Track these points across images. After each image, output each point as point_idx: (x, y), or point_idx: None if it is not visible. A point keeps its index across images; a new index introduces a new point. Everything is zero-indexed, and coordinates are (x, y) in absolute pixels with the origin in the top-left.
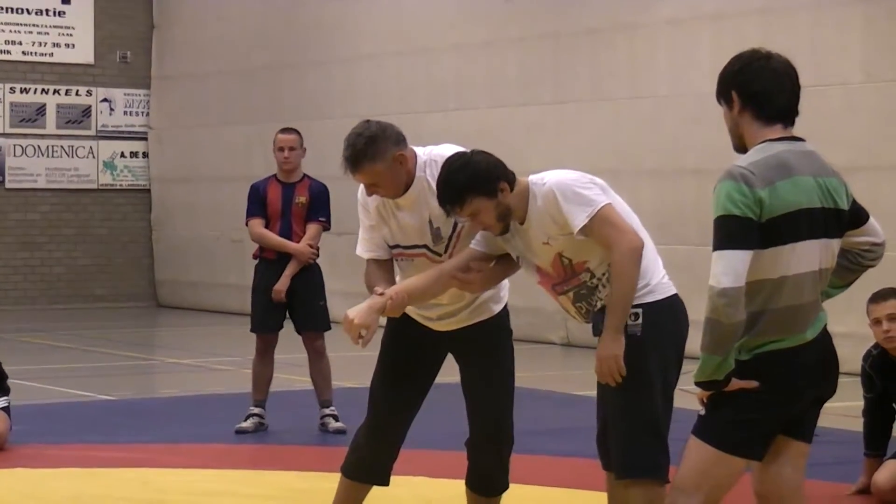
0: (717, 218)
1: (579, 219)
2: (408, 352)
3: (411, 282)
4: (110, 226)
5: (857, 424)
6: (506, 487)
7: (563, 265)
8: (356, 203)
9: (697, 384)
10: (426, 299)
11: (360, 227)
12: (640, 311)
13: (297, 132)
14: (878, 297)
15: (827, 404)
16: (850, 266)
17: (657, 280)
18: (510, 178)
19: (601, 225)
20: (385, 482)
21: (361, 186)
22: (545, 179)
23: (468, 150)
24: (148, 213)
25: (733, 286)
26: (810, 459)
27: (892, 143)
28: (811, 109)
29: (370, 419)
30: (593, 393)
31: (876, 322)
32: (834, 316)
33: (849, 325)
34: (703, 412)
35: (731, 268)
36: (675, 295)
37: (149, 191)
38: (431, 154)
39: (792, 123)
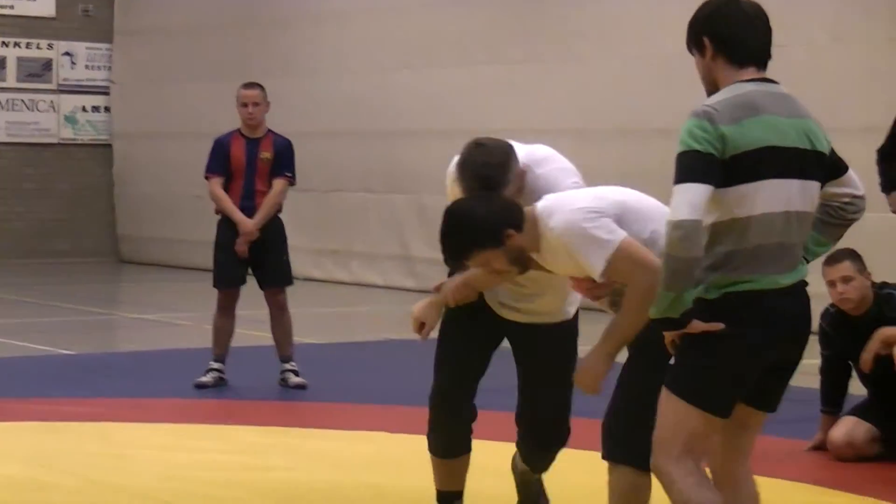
0: (679, 154)
1: (598, 264)
2: (468, 323)
3: (472, 274)
4: (72, 181)
5: (815, 382)
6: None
7: (591, 281)
8: (323, 159)
9: (652, 321)
10: (493, 286)
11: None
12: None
13: (261, 87)
14: (832, 259)
15: None
16: (833, 221)
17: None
18: (516, 221)
19: (620, 262)
20: (468, 449)
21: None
22: (551, 221)
23: (469, 200)
24: (110, 169)
25: (689, 218)
26: (768, 417)
27: (858, 103)
28: (776, 69)
29: (436, 388)
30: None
31: (831, 284)
32: None
33: (811, 285)
34: (672, 361)
35: (686, 201)
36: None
37: (111, 146)
38: (529, 159)
39: (764, 66)
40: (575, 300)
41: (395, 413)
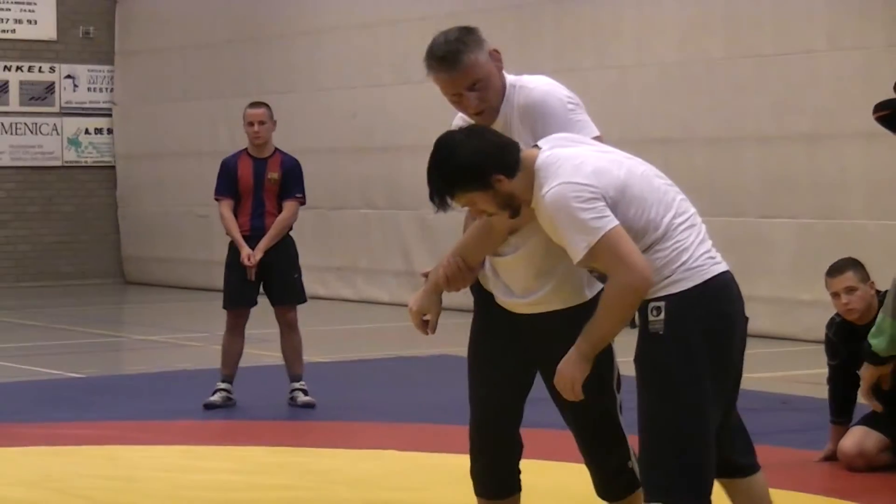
0: None
1: (579, 250)
2: (493, 345)
3: (460, 242)
4: (76, 202)
5: (823, 392)
6: (636, 487)
7: None
8: (325, 176)
9: (870, 354)
10: (486, 252)
11: None
12: (661, 304)
13: (267, 105)
14: (835, 270)
15: (793, 372)
16: None
17: (690, 262)
18: (508, 165)
19: (602, 253)
20: (516, 489)
21: (456, 120)
22: (544, 188)
23: (460, 133)
24: (113, 190)
25: None
26: (778, 427)
27: (856, 110)
28: (775, 77)
29: (473, 422)
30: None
31: (835, 295)
32: (802, 284)
33: (814, 294)
34: None
35: None
36: (717, 276)
37: (114, 167)
38: (520, 80)
39: None
40: (594, 282)
41: (403, 431)
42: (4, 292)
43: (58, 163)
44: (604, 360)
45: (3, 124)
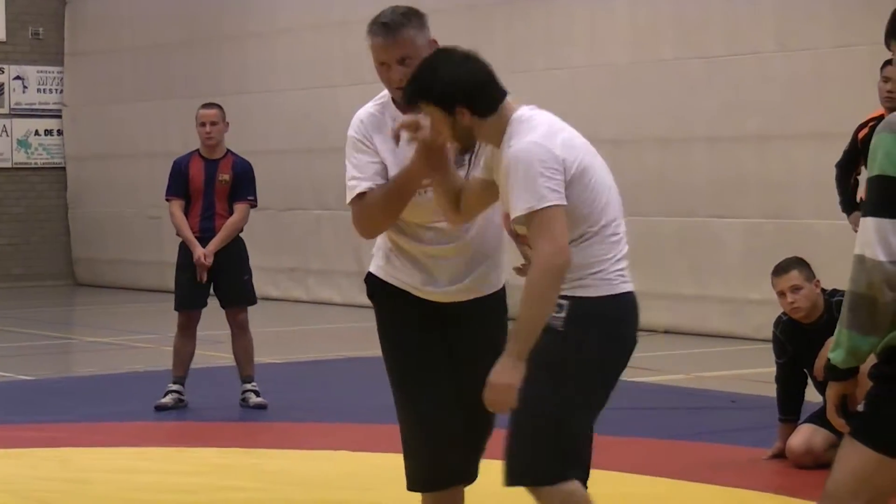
0: (872, 178)
1: (519, 208)
2: (419, 345)
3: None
4: (26, 204)
5: (772, 390)
6: (475, 477)
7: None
8: (277, 177)
9: (831, 369)
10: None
11: (349, 164)
12: (565, 302)
13: (220, 107)
14: (780, 269)
15: (743, 371)
16: None
17: (603, 274)
18: (481, 104)
19: (536, 222)
20: (467, 476)
21: (355, 121)
22: (514, 139)
23: (458, 53)
24: (64, 191)
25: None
26: (728, 426)
27: (805, 111)
28: (725, 78)
29: (417, 430)
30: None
31: (780, 294)
32: (750, 283)
33: (763, 293)
34: (861, 408)
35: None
36: (624, 294)
37: (64, 168)
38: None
39: None
40: (503, 269)
41: (354, 431)
42: None
43: (7, 164)
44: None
45: None
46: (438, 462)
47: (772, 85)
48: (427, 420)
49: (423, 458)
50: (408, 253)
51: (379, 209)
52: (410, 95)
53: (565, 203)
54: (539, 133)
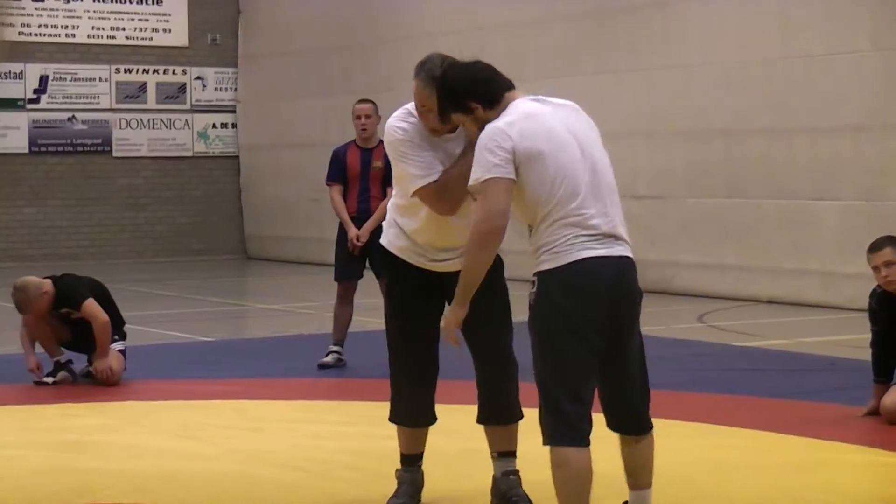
0: None
1: (473, 176)
2: (416, 298)
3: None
4: (205, 188)
5: (867, 355)
6: (521, 415)
7: None
8: None
9: None
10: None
11: (408, 162)
12: (535, 279)
13: (373, 102)
14: (875, 247)
15: (840, 337)
16: None
17: (557, 248)
18: (486, 97)
19: (480, 192)
20: (434, 420)
21: (397, 128)
22: (494, 120)
23: (457, 61)
24: (237, 177)
25: None
26: (826, 385)
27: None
28: (824, 75)
29: (407, 368)
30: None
31: (875, 269)
32: (845, 259)
33: (857, 267)
34: None
35: None
36: (577, 262)
37: (237, 157)
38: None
39: None
40: None
41: None
42: (143, 267)
43: (189, 153)
44: (506, 300)
45: (141, 120)
46: (422, 403)
47: (867, 81)
48: (414, 365)
49: (407, 399)
50: (417, 259)
51: (458, 188)
52: (440, 111)
53: (509, 177)
54: (505, 120)
